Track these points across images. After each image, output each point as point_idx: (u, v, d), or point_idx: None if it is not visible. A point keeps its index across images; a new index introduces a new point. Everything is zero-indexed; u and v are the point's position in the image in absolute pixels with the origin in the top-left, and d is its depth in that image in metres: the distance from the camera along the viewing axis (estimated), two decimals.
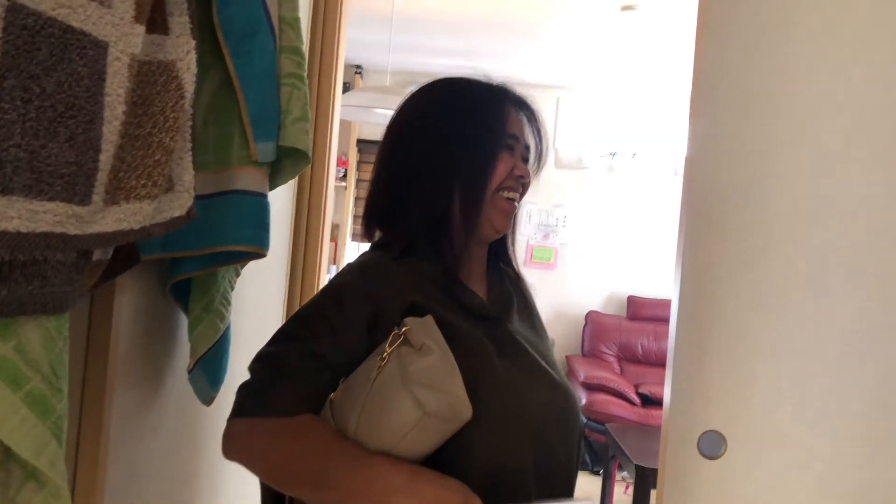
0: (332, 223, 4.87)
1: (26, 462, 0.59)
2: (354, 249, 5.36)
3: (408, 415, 0.82)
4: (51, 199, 0.55)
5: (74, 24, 0.55)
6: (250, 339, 1.49)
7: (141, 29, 0.64)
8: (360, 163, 5.27)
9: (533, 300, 1.19)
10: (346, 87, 4.74)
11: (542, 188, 5.15)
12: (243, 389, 0.93)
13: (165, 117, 0.68)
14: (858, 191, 1.31)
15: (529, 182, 1.06)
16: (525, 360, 1.00)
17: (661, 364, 4.84)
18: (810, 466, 1.32)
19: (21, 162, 0.52)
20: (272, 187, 1.07)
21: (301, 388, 0.90)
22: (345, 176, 4.99)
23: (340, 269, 1.02)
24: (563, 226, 5.28)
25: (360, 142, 5.20)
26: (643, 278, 5.22)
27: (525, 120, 1.07)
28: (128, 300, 0.90)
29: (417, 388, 0.82)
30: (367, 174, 5.20)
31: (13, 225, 0.52)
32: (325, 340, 0.92)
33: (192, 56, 0.72)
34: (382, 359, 0.86)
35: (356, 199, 5.23)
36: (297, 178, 1.82)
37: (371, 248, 1.07)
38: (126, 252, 0.76)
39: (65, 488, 0.61)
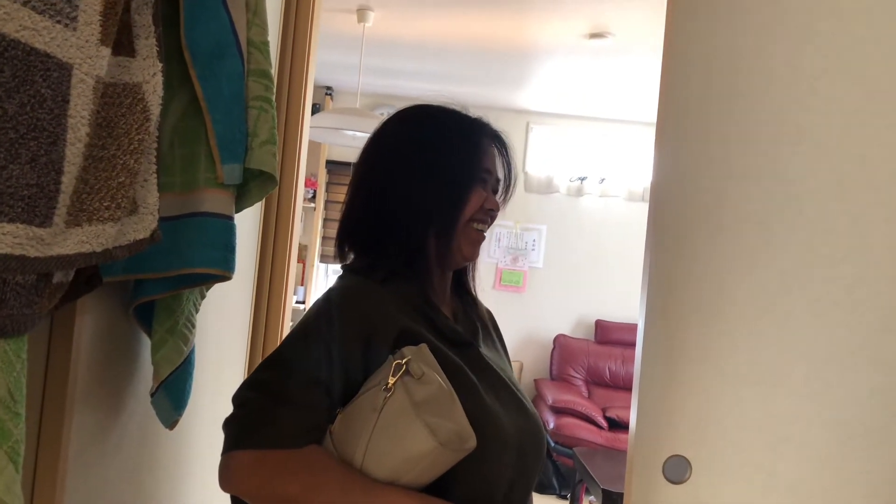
0: (301, 244, 4.85)
1: None
2: (323, 271, 5.33)
3: (423, 445, 0.82)
4: (10, 221, 0.54)
5: (38, 45, 0.55)
6: (214, 362, 1.47)
7: (107, 51, 0.64)
8: (329, 184, 5.26)
9: (495, 323, 1.22)
10: (316, 109, 4.75)
11: (512, 212, 5.18)
12: (240, 420, 0.90)
13: (130, 139, 0.68)
14: (821, 218, 1.35)
15: (497, 214, 1.10)
16: (499, 385, 1.02)
17: (628, 388, 4.87)
18: (775, 490, 1.34)
19: None
20: (238, 209, 1.07)
21: (305, 417, 0.89)
22: (314, 197, 4.97)
23: (325, 292, 1.03)
24: (533, 249, 5.32)
25: (329, 163, 5.20)
26: (611, 302, 5.27)
27: (497, 153, 1.11)
28: (89, 322, 0.89)
29: (429, 417, 0.83)
30: (337, 195, 5.21)
31: None
32: (324, 366, 0.91)
33: (159, 78, 0.72)
34: (388, 389, 0.86)
35: (325, 220, 5.21)
36: (264, 198, 1.81)
37: (348, 270, 1.07)
38: (88, 274, 0.75)
39: None
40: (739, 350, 1.36)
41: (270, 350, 1.54)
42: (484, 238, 1.08)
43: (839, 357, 1.34)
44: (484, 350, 1.08)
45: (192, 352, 1.08)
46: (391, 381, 0.86)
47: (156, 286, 0.97)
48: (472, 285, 1.19)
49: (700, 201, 1.39)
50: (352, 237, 1.08)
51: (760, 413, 1.35)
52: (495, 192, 1.11)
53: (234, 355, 1.70)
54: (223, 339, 1.58)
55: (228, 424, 0.90)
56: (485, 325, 1.17)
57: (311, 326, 0.95)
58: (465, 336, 1.05)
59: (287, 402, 0.88)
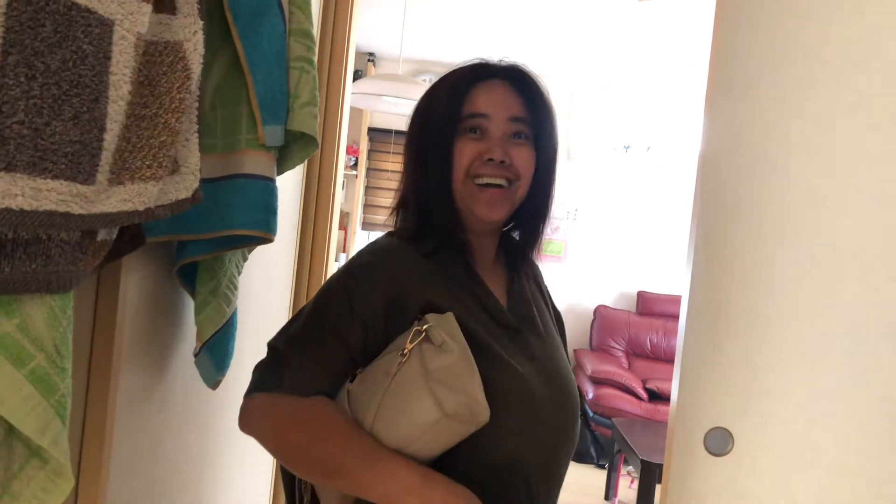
0: (342, 211, 4.88)
1: (29, 440, 0.60)
2: (364, 238, 5.36)
3: (427, 414, 0.81)
4: (55, 178, 0.55)
5: (79, 0, 0.55)
6: (257, 325, 1.49)
7: (148, 8, 0.63)
8: (371, 151, 5.25)
9: (549, 295, 1.16)
10: (358, 75, 4.73)
11: None
12: (263, 365, 0.92)
13: (172, 98, 0.68)
14: (874, 187, 1.29)
15: (512, 161, 0.96)
16: (540, 367, 0.97)
17: (669, 360, 4.82)
18: (818, 465, 1.31)
19: (25, 139, 0.52)
20: (280, 172, 1.07)
21: (323, 367, 0.89)
22: (356, 164, 4.98)
23: (361, 248, 1.01)
24: (574, 219, 5.26)
25: (371, 130, 5.19)
26: (654, 273, 5.19)
27: (514, 91, 0.98)
28: (134, 281, 0.90)
29: (437, 386, 0.81)
30: (378, 163, 5.21)
31: (17, 202, 0.52)
32: (346, 320, 0.90)
33: (200, 36, 0.71)
34: (403, 354, 0.85)
35: (366, 187, 5.23)
36: (305, 164, 1.81)
37: (395, 233, 1.03)
38: (132, 233, 0.76)
39: (68, 467, 0.61)
40: (786, 323, 1.32)
41: None
42: (498, 193, 0.96)
43: (888, 330, 1.29)
44: (533, 339, 1.00)
45: (234, 313, 1.09)
46: (408, 346, 0.85)
47: (198, 247, 0.98)
48: (529, 249, 1.08)
49: (750, 170, 1.34)
50: (402, 207, 1.05)
51: (806, 387, 1.31)
52: (518, 134, 0.98)
53: (276, 319, 1.72)
54: (266, 303, 1.60)
55: (255, 369, 0.93)
56: (541, 299, 1.11)
57: (340, 279, 0.94)
58: (512, 321, 0.98)
59: (306, 350, 0.90)
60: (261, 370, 0.93)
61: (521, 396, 0.91)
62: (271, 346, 0.94)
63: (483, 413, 0.83)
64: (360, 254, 0.97)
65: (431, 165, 0.97)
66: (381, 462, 0.82)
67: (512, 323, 0.98)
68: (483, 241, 1.03)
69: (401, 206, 1.04)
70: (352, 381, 0.89)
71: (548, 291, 1.17)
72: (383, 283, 0.91)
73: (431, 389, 0.81)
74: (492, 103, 0.96)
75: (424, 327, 0.86)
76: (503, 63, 1.00)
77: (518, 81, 0.99)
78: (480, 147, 0.96)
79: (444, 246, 0.97)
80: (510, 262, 1.08)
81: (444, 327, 0.86)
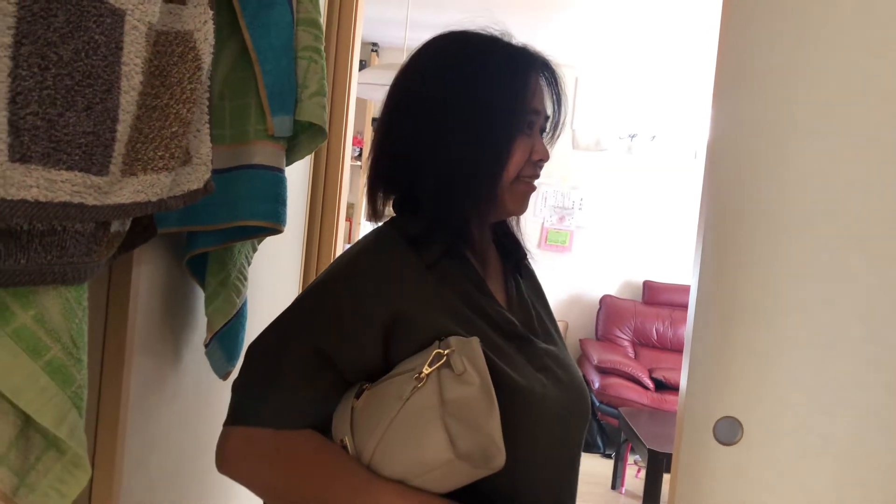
0: (347, 202, 4.87)
1: (46, 430, 0.60)
2: (369, 228, 5.35)
3: (437, 452, 0.72)
4: (69, 169, 0.55)
5: None
6: (266, 316, 1.49)
7: None
8: (373, 137, 5.23)
9: (540, 286, 1.07)
10: (363, 65, 4.71)
11: (559, 169, 5.12)
12: (238, 391, 0.84)
13: (182, 88, 0.67)
14: (884, 177, 1.28)
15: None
16: (554, 377, 0.90)
17: (675, 349, 4.82)
18: (827, 454, 1.31)
19: (39, 130, 0.52)
20: (289, 162, 1.07)
21: (303, 394, 0.81)
22: (360, 155, 4.97)
23: (358, 244, 0.90)
24: (580, 208, 5.25)
25: (375, 120, 5.17)
26: (660, 263, 5.18)
27: (545, 84, 0.92)
28: (145, 272, 0.91)
29: (453, 421, 0.73)
30: None
31: (32, 194, 0.51)
32: (333, 337, 0.81)
33: (210, 26, 0.71)
34: (419, 378, 0.76)
35: None
36: (312, 155, 1.81)
37: (396, 231, 0.89)
38: (144, 224, 0.76)
39: (85, 457, 0.62)
40: (795, 311, 1.32)
41: None
42: (534, 189, 0.92)
43: None
44: (541, 345, 0.93)
45: (244, 304, 1.09)
46: (425, 370, 0.76)
47: (208, 238, 0.98)
48: (517, 234, 1.02)
49: (759, 159, 1.33)
50: (386, 188, 0.93)
51: (815, 375, 1.31)
52: (542, 130, 0.93)
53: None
54: (274, 294, 1.60)
55: (233, 391, 0.85)
56: (536, 293, 1.04)
57: (332, 288, 0.84)
58: (521, 330, 0.91)
59: (284, 374, 0.81)
60: (238, 394, 0.84)
61: (540, 426, 0.85)
62: (250, 361, 0.84)
63: (499, 458, 0.74)
64: (355, 256, 0.87)
65: (479, 161, 0.86)
66: (368, 497, 0.75)
67: (521, 332, 0.91)
68: (487, 231, 0.97)
69: (404, 195, 0.92)
70: (357, 397, 0.80)
71: (537, 278, 1.09)
72: (383, 296, 0.82)
73: (446, 424, 0.73)
74: (541, 100, 0.91)
75: (446, 351, 0.77)
76: (543, 55, 0.93)
77: (547, 76, 0.93)
78: (531, 145, 0.90)
79: (449, 252, 0.88)
80: (505, 255, 1.01)
81: (466, 354, 0.77)
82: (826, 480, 1.31)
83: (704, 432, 1.36)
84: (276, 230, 1.01)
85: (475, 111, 0.86)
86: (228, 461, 0.82)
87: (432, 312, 0.83)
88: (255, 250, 1.14)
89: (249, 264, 1.12)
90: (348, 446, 0.78)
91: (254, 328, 1.21)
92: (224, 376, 1.11)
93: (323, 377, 0.81)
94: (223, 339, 1.07)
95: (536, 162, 0.91)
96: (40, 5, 0.51)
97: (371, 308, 0.81)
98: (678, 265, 5.10)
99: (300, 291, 1.87)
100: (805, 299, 1.31)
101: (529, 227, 4.32)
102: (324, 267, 1.88)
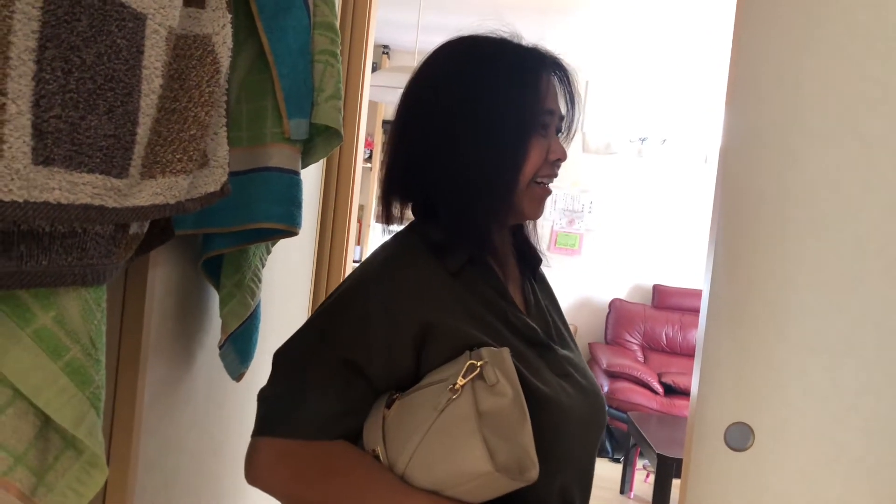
0: (358, 204, 4.88)
1: (65, 431, 0.60)
2: (379, 231, 5.36)
3: (475, 464, 0.72)
4: (90, 171, 0.55)
5: None
6: (278, 316, 1.50)
7: (179, 1, 0.64)
8: (385, 144, 5.25)
9: (553, 291, 1.07)
10: (374, 68, 4.72)
11: (569, 173, 5.11)
12: (267, 401, 0.83)
13: (201, 92, 0.68)
14: None
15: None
16: (575, 384, 0.90)
17: (685, 354, 4.80)
18: (840, 461, 1.30)
19: (62, 133, 0.52)
20: (304, 165, 1.07)
21: (333, 405, 0.80)
22: (370, 157, 4.98)
23: (377, 253, 0.89)
24: (589, 212, 5.24)
25: (386, 122, 5.19)
26: (670, 267, 5.17)
27: (557, 83, 0.92)
28: (161, 274, 0.91)
29: (489, 434, 0.73)
30: None
31: (54, 196, 0.52)
32: (363, 348, 0.80)
33: (228, 30, 0.71)
34: (454, 389, 0.76)
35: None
36: (325, 157, 1.82)
37: (419, 237, 0.89)
38: (161, 226, 0.77)
39: (102, 458, 0.62)
40: (807, 317, 1.31)
41: None
42: (549, 192, 0.92)
43: None
44: (560, 351, 0.93)
45: (258, 306, 1.10)
46: (460, 381, 0.76)
47: (223, 240, 0.99)
48: (532, 239, 1.02)
49: (772, 164, 1.33)
50: (403, 195, 0.93)
51: (828, 382, 1.30)
52: (558, 130, 0.92)
53: (296, 311, 1.73)
54: (286, 295, 1.60)
55: (260, 401, 0.84)
56: (550, 299, 1.03)
57: (359, 299, 0.83)
58: (542, 337, 0.91)
59: (313, 384, 0.80)
60: (267, 404, 0.83)
61: (567, 435, 0.85)
62: (278, 370, 0.84)
63: (532, 470, 0.74)
64: (382, 264, 0.87)
65: (495, 164, 0.86)
66: None
67: (542, 339, 0.91)
68: (505, 240, 0.97)
69: (422, 202, 0.92)
70: (388, 407, 0.80)
71: (549, 284, 1.09)
72: (412, 307, 0.81)
73: (485, 437, 0.73)
74: (555, 99, 0.91)
75: (479, 363, 0.77)
76: (554, 54, 0.93)
77: (559, 75, 0.93)
78: (547, 145, 0.89)
79: (473, 259, 0.88)
80: (523, 260, 1.01)
81: (498, 365, 0.77)
82: (838, 488, 1.30)
83: (715, 438, 1.36)
84: (292, 232, 1.01)
85: (488, 116, 0.86)
86: (260, 473, 0.82)
87: (459, 321, 0.83)
88: (269, 252, 1.15)
89: (264, 266, 1.13)
90: (381, 456, 0.78)
91: (267, 329, 1.22)
92: (237, 378, 1.12)
93: (353, 387, 0.81)
94: (237, 340, 1.07)
95: (554, 162, 0.91)
96: (64, 10, 0.51)
97: (401, 318, 0.81)
98: (688, 269, 5.08)
99: (311, 292, 1.88)
100: (818, 305, 1.30)
101: (539, 230, 4.32)
102: (335, 268, 1.89)
